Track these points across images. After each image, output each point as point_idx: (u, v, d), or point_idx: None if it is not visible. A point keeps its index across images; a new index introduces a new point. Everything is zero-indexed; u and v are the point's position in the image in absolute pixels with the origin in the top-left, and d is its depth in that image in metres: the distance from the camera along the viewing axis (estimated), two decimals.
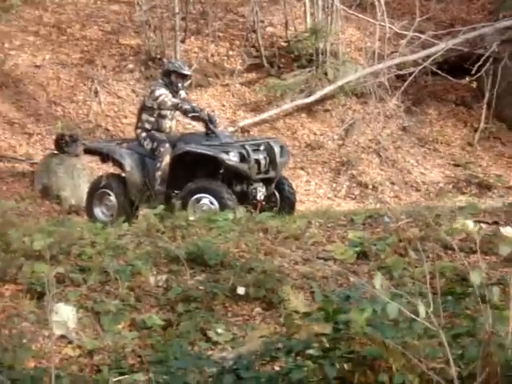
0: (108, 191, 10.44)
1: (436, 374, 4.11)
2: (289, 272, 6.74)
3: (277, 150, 10.08)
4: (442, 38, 16.02)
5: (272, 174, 10.04)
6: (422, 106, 16.11)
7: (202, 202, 9.62)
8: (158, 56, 15.97)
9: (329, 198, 14.23)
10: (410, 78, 15.32)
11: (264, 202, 9.81)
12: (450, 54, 15.89)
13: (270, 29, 17.03)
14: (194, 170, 9.97)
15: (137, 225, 8.07)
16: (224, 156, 9.66)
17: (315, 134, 15.36)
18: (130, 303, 5.89)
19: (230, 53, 16.54)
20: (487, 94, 15.33)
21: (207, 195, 9.61)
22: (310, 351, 4.25)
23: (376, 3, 15.70)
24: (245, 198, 9.78)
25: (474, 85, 15.39)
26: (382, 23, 15.67)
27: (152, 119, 10.32)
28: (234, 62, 16.40)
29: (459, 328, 4.70)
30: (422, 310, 4.10)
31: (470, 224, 7.61)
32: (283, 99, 15.40)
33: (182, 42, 16.37)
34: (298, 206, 13.06)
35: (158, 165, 10.05)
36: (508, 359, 4.24)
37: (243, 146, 9.84)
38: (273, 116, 15.29)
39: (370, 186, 14.40)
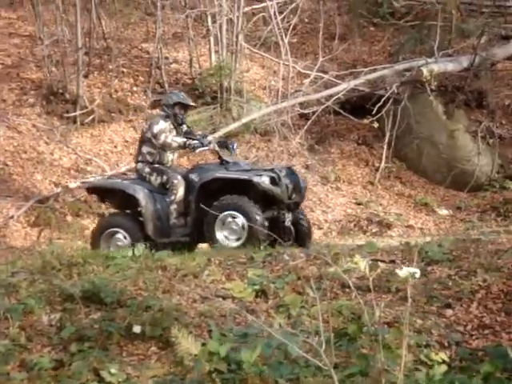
0: (119, 230, 9.88)
1: None
2: (187, 310, 6.68)
3: (299, 175, 10.06)
4: (344, 79, 16.30)
5: (296, 198, 9.81)
6: (324, 145, 16.32)
7: (232, 220, 9.31)
8: (60, 91, 15.76)
9: None
10: (313, 116, 15.53)
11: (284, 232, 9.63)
12: (352, 94, 16.17)
13: (174, 65, 17.05)
14: (221, 195, 9.53)
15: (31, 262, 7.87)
16: (258, 179, 9.36)
17: None
18: (20, 343, 5.73)
19: (134, 89, 16.47)
20: (388, 134, 15.63)
21: (237, 213, 9.28)
22: None
23: (280, 43, 15.88)
24: (274, 224, 9.49)
25: (375, 125, 15.64)
26: (286, 62, 15.87)
27: (154, 151, 9.94)
28: (138, 97, 16.34)
29: (353, 367, 4.74)
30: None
31: (361, 263, 7.69)
32: None
33: (85, 76, 16.23)
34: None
35: (173, 197, 9.71)
36: None
37: (273, 170, 9.62)
38: (180, 152, 15.20)
39: None
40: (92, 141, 15.38)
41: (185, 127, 10.20)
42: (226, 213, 9.25)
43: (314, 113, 15.58)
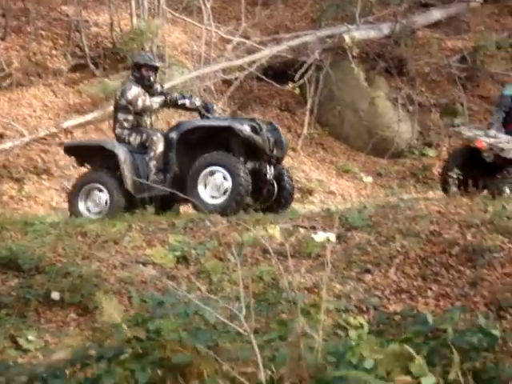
0: (99, 186, 9.83)
1: (247, 379, 4.14)
2: (106, 277, 6.65)
3: (280, 131, 9.95)
4: (267, 45, 16.28)
5: (278, 153, 9.76)
6: (247, 111, 16.29)
7: (215, 175, 9.31)
8: None
9: None
10: (236, 82, 15.48)
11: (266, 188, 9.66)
12: (274, 61, 16.16)
13: (95, 29, 16.75)
14: (202, 149, 9.51)
15: None
16: (239, 126, 9.32)
17: None
18: None
19: (54, 52, 16.14)
20: (310, 101, 15.68)
21: (221, 169, 9.27)
22: (122, 357, 4.19)
23: (202, 7, 15.76)
24: (255, 177, 9.44)
25: (297, 91, 15.68)
26: (208, 27, 15.77)
27: (130, 117, 9.90)
28: (58, 61, 16.02)
29: (272, 332, 4.76)
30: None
31: (274, 230, 7.79)
32: (108, 101, 15.15)
33: (2, 39, 15.85)
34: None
35: (152, 154, 9.69)
36: (317, 362, 4.33)
37: (253, 120, 9.69)
38: (98, 118, 15.02)
39: None
40: (10, 105, 15.06)
41: (159, 87, 10.17)
42: (209, 169, 9.30)
43: (236, 79, 15.54)
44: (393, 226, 9.07)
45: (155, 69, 10.12)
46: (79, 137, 14.39)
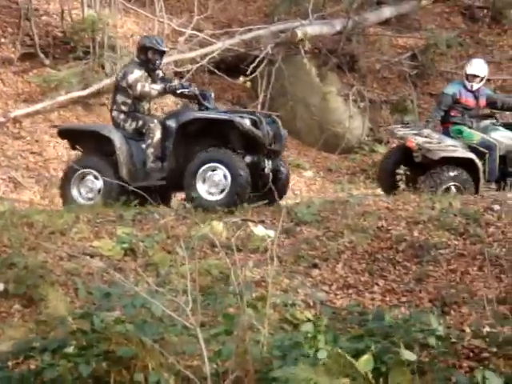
0: (92, 171, 9.59)
1: (192, 372, 4.14)
2: (53, 268, 6.60)
3: (279, 124, 9.70)
4: (219, 38, 16.24)
5: (277, 147, 9.59)
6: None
7: (214, 172, 9.13)
8: None
9: None
10: (188, 75, 15.42)
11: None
12: (227, 54, 16.13)
13: (45, 18, 16.55)
14: (200, 141, 9.36)
15: None
16: (239, 120, 9.12)
17: None
18: None
19: (3, 40, 15.90)
20: (262, 95, 15.68)
21: (221, 166, 9.09)
22: (66, 350, 4.17)
23: None
24: (253, 171, 9.26)
25: (249, 85, 15.68)
26: (161, 19, 15.68)
27: (129, 101, 9.64)
28: (7, 50, 15.79)
29: (219, 326, 4.77)
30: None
31: (217, 225, 7.81)
32: (58, 91, 15.00)
33: None
34: None
35: (149, 141, 9.47)
36: (263, 356, 4.34)
37: (253, 113, 9.54)
38: (47, 108, 14.85)
39: None
40: None
41: (160, 73, 9.96)
42: (208, 165, 9.13)
43: (188, 71, 15.48)
44: (341, 222, 9.14)
45: (162, 53, 9.88)
46: (27, 127, 14.24)
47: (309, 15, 15.96)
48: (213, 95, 9.85)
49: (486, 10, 19.03)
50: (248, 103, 16.27)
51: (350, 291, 7.84)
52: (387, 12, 18.16)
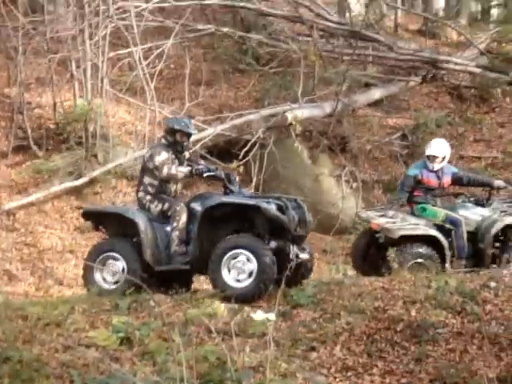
0: (115, 255, 9.40)
1: None
2: (48, 360, 6.54)
3: (305, 208, 9.45)
4: (211, 124, 16.43)
5: (302, 232, 9.35)
6: (192, 190, 16.33)
7: (238, 258, 8.89)
8: None
9: None
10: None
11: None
12: (218, 139, 16.29)
13: (38, 110, 16.76)
14: (225, 225, 9.18)
15: None
16: (266, 205, 8.93)
17: None
18: None
19: None
20: (255, 179, 15.77)
21: (246, 252, 8.85)
22: None
23: (146, 88, 15.89)
24: (278, 256, 8.97)
25: (241, 169, 15.77)
26: (152, 107, 15.87)
27: (155, 182, 9.47)
28: (0, 143, 15.98)
29: None
30: None
31: (220, 308, 7.77)
32: (51, 181, 15.10)
33: None
34: (66, 291, 12.81)
35: (175, 224, 9.27)
36: None
37: (279, 198, 9.28)
38: (40, 199, 14.93)
39: None
40: None
41: (187, 154, 9.82)
42: (233, 251, 8.93)
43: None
44: (338, 303, 9.10)
45: (190, 135, 9.74)
46: (21, 219, 14.29)
47: (298, 99, 16.17)
48: (237, 178, 9.70)
49: (473, 90, 19.30)
50: (241, 187, 16.33)
51: (349, 374, 7.76)
52: (376, 93, 18.43)
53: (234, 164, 15.73)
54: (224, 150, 16.36)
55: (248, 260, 8.85)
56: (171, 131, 9.53)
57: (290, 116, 15.70)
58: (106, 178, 15.37)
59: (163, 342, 7.23)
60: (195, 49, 19.18)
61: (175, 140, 9.48)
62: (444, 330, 8.51)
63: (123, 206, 9.97)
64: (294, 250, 9.23)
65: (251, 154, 15.62)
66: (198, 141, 15.64)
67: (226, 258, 8.88)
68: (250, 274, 8.83)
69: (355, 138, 16.94)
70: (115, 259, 9.40)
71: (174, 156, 9.47)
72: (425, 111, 18.18)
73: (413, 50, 19.63)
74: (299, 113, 15.94)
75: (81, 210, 10.85)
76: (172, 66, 18.86)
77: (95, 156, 15.61)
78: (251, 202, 9.06)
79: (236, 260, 8.90)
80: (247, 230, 9.10)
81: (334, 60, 18.39)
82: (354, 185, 16.11)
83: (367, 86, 18.64)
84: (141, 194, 9.60)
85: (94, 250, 9.78)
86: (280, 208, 9.04)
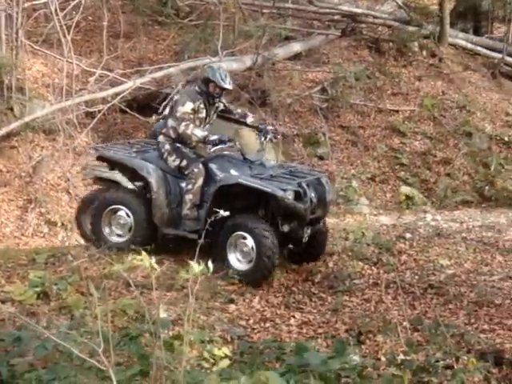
0: (123, 208, 9.03)
1: None
2: None
3: (327, 187, 8.96)
4: (130, 77, 16.19)
5: (319, 213, 8.87)
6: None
7: (244, 240, 8.48)
8: None
9: (16, 236, 13.81)
10: (99, 115, 15.33)
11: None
12: (138, 93, 16.08)
13: None
14: (239, 200, 8.64)
15: None
16: (282, 194, 8.37)
17: (1, 171, 14.87)
18: None
19: None
20: None
21: (249, 235, 8.43)
22: None
23: (62, 40, 15.56)
24: (290, 238, 8.72)
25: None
26: (70, 60, 15.56)
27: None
28: None
29: (134, 367, 4.71)
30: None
31: (146, 260, 7.72)
32: None
33: None
34: None
35: (190, 187, 8.80)
36: None
37: (300, 184, 8.57)
38: None
39: (59, 224, 14.15)
40: None
41: (221, 105, 9.34)
42: (236, 233, 8.52)
43: (100, 111, 15.39)
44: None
45: (224, 90, 9.14)
46: None
47: (218, 52, 16.06)
48: (270, 137, 9.41)
49: (391, 43, 19.45)
50: None
51: (267, 325, 7.85)
52: (296, 47, 18.42)
53: (154, 118, 15.59)
54: (144, 104, 16.17)
55: (251, 246, 8.47)
56: (205, 80, 9.01)
57: None
58: (22, 131, 15.07)
59: (81, 296, 7.18)
60: (113, 0, 18.82)
61: (208, 90, 8.98)
62: (360, 281, 8.67)
63: (138, 159, 9.12)
64: (307, 232, 8.80)
65: None
66: (117, 94, 15.44)
67: (231, 237, 8.53)
68: (251, 259, 8.50)
69: (275, 92, 16.91)
70: (123, 213, 9.07)
71: (202, 105, 9.00)
72: (344, 65, 18.26)
73: (332, 4, 19.65)
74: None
75: (91, 150, 10.31)
76: (90, 17, 18.51)
77: (11, 109, 15.25)
78: (267, 189, 8.40)
79: (241, 242, 8.55)
80: (261, 209, 8.69)
81: (253, 13, 18.28)
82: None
83: (287, 39, 18.61)
84: (161, 139, 9.07)
85: (101, 201, 9.29)
86: (298, 195, 8.51)
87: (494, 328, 7.79)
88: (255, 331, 7.64)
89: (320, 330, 7.67)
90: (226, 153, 8.94)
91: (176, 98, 9.27)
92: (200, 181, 8.82)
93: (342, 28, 19.55)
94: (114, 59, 16.75)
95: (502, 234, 11.18)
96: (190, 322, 5.16)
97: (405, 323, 7.21)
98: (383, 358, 6.36)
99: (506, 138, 17.32)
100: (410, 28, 19.56)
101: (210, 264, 4.98)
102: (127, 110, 15.70)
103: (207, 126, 9.23)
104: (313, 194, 8.68)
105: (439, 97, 18.18)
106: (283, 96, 17.00)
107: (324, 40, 19.18)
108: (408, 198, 15.01)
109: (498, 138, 17.30)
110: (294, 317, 8.03)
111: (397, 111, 17.61)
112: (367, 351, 7.01)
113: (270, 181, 8.50)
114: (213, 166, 8.84)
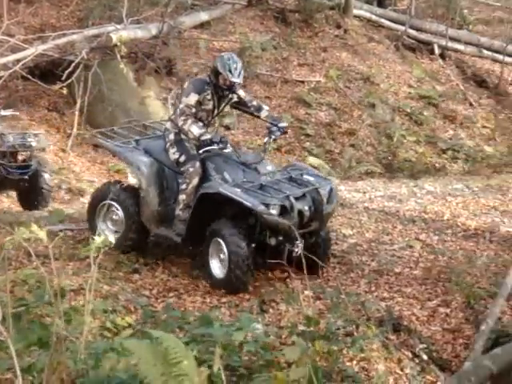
0: (115, 204, 8.57)
1: None
2: None
3: (325, 198, 8.08)
4: (32, 43, 15.83)
5: (315, 225, 8.04)
6: (13, 111, 15.81)
7: (221, 248, 7.86)
8: None
9: None
10: (0, 81, 14.96)
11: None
12: (40, 59, 15.74)
13: None
14: (223, 208, 8.02)
15: None
16: (261, 209, 7.65)
17: None
18: None
19: None
20: (79, 101, 15.40)
21: (223, 243, 7.82)
22: None
23: None
24: (279, 251, 7.81)
25: (65, 91, 15.40)
26: None
27: None
28: None
29: (32, 336, 4.66)
30: None
31: (39, 231, 7.62)
32: None
33: None
34: None
35: (184, 186, 8.19)
36: (78, 365, 4.27)
37: (287, 197, 7.81)
38: None
39: None
40: None
41: (235, 97, 8.56)
42: (214, 239, 7.93)
43: (0, 77, 15.02)
44: None
45: (233, 83, 8.32)
46: None
47: (123, 19, 15.84)
48: (276, 135, 8.59)
49: (297, 14, 19.52)
50: (65, 109, 15.99)
51: (171, 294, 7.87)
52: (202, 16, 18.32)
53: (57, 86, 15.35)
54: (46, 71, 15.87)
55: (224, 252, 7.88)
56: (214, 72, 8.32)
57: (114, 37, 15.36)
58: None
59: None
60: None
61: (217, 82, 8.30)
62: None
63: (134, 152, 8.61)
64: (300, 245, 7.63)
65: (75, 76, 15.19)
66: (18, 61, 15.08)
67: (211, 244, 7.96)
68: (225, 268, 7.87)
69: (182, 61, 16.81)
70: (116, 208, 8.62)
71: (209, 97, 8.35)
72: (250, 35, 18.25)
73: None
74: (124, 34, 15.63)
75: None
76: None
77: None
78: (247, 203, 7.70)
79: (219, 248, 7.93)
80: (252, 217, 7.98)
81: None
82: None
83: (193, 8, 18.49)
84: (168, 126, 8.55)
85: (96, 195, 8.96)
86: (284, 209, 7.80)
87: (394, 296, 8.01)
88: (158, 301, 7.65)
89: (224, 300, 7.73)
90: (226, 151, 8.28)
91: (185, 84, 8.82)
92: (195, 181, 8.23)
93: None
94: (14, 24, 16.31)
95: (403, 203, 11.41)
96: (91, 292, 5.12)
97: (307, 292, 7.33)
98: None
99: (409, 110, 17.62)
100: None
101: (111, 238, 4.97)
102: (29, 77, 15.34)
103: (215, 118, 8.71)
104: (306, 207, 7.94)
105: (344, 68, 18.33)
106: (189, 65, 16.91)
107: (230, 9, 19.13)
108: (314, 168, 15.17)
109: (401, 109, 17.59)
110: (197, 286, 8.06)
111: (302, 82, 17.70)
112: (270, 320, 7.10)
113: (255, 192, 7.82)
114: (210, 166, 8.24)
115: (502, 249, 9.46)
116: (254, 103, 8.72)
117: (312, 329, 5.65)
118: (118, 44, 15.32)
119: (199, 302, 7.70)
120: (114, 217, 8.66)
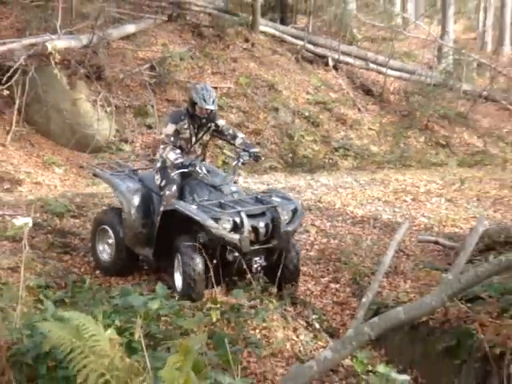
0: (108, 228, 8.08)
1: None
2: None
3: (284, 217, 7.45)
4: None
5: (274, 243, 7.40)
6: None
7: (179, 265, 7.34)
8: None
9: None
10: None
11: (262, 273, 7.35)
12: None
13: None
14: (183, 226, 7.46)
15: None
16: (211, 224, 7.12)
17: None
18: None
19: None
20: (17, 102, 15.09)
21: (180, 258, 7.29)
22: None
23: None
24: (237, 269, 7.28)
25: (6, 93, 15.03)
26: None
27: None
28: None
29: None
30: None
31: None
32: None
33: None
34: None
35: (162, 208, 7.63)
36: (16, 334, 4.19)
37: (238, 213, 7.26)
38: None
39: None
40: None
41: (213, 126, 8.05)
42: (176, 254, 7.40)
43: None
44: (95, 211, 9.09)
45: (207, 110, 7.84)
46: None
47: (58, 30, 15.54)
48: (243, 160, 7.95)
49: (211, 29, 19.53)
50: (5, 109, 15.62)
51: (97, 272, 7.80)
52: (128, 28, 18.13)
53: None
54: None
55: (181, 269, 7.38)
56: (191, 102, 7.84)
57: (49, 46, 15.04)
58: None
59: None
60: None
61: (193, 113, 7.83)
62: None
63: (120, 177, 8.21)
64: (260, 261, 7.37)
65: (14, 79, 14.87)
66: None
67: (176, 258, 7.43)
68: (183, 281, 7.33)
69: (109, 68, 16.62)
70: (109, 232, 8.19)
71: (186, 126, 7.92)
72: (170, 46, 18.21)
73: None
74: (58, 43, 15.33)
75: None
76: None
77: None
78: (197, 217, 7.17)
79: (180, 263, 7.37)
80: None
81: None
82: (108, 109, 15.88)
83: (120, 21, 18.27)
84: (157, 156, 8.14)
85: (95, 220, 8.48)
86: (235, 224, 7.27)
87: None
88: (88, 278, 7.57)
89: (145, 277, 7.69)
90: (200, 175, 7.69)
91: (165, 117, 8.22)
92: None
93: (168, 13, 19.47)
94: None
95: (301, 194, 11.53)
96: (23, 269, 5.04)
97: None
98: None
99: (307, 113, 17.82)
100: (228, 16, 19.79)
101: (29, 219, 4.91)
102: None
103: (195, 146, 8.18)
104: (262, 224, 7.36)
105: (252, 76, 18.40)
106: (116, 72, 16.74)
107: (153, 23, 18.98)
108: (225, 163, 15.15)
109: (300, 113, 17.76)
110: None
111: (216, 88, 17.68)
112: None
113: (210, 209, 7.30)
114: (186, 189, 7.78)
115: (384, 233, 9.67)
116: (231, 131, 8.14)
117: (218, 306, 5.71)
118: (53, 52, 14.99)
119: (123, 279, 7.65)
120: (109, 240, 8.24)
